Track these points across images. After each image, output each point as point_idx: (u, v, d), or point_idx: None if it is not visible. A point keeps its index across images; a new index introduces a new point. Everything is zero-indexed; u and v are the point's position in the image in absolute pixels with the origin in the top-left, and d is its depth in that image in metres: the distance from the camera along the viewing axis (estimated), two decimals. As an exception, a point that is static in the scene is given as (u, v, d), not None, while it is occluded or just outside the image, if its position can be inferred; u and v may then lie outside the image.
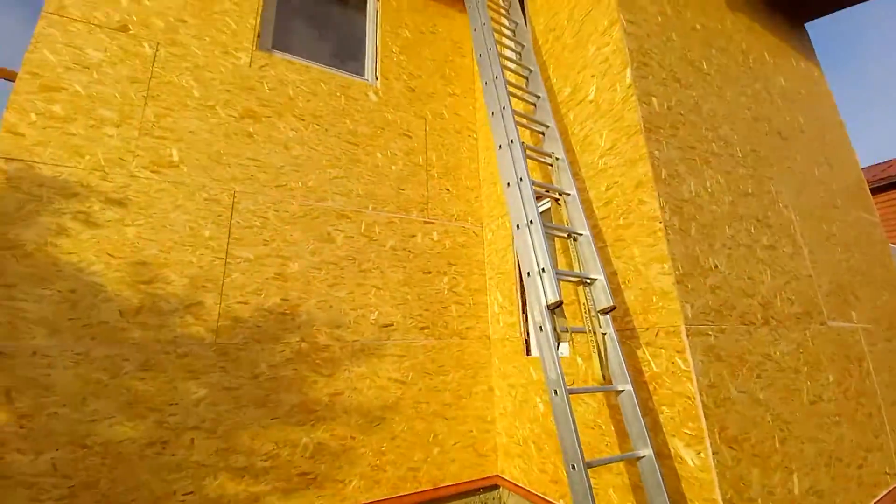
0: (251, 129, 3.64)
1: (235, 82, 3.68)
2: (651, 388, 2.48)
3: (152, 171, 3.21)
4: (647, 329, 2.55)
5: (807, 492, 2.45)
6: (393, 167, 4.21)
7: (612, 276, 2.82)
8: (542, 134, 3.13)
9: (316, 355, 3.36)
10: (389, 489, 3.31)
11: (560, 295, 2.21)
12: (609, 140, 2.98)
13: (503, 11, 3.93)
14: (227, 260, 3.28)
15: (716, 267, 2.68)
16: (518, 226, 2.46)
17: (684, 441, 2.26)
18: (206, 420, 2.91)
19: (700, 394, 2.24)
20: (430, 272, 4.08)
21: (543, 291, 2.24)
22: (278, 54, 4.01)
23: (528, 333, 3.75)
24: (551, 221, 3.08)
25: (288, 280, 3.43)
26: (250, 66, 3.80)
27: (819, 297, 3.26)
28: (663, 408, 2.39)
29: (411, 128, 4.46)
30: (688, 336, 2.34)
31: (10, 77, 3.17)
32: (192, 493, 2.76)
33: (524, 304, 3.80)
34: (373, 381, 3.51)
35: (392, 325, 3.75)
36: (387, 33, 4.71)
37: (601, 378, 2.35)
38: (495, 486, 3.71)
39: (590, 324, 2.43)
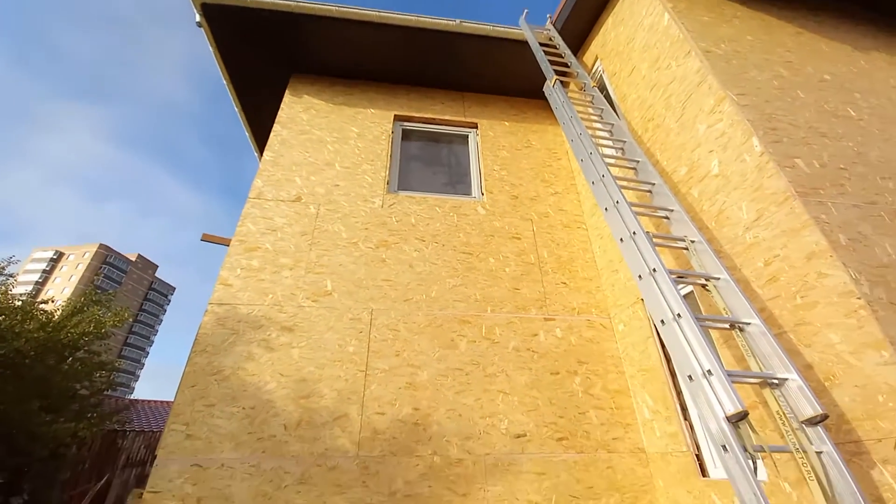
0: (384, 256, 4.06)
1: (371, 221, 4.27)
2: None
3: (313, 301, 3.71)
4: (880, 441, 1.69)
5: None
6: (506, 269, 4.15)
7: (806, 371, 2.05)
8: (667, 219, 2.75)
9: (449, 471, 3.05)
10: None
11: (742, 404, 1.63)
12: (752, 211, 2.46)
13: (595, 118, 3.95)
14: (367, 372, 3.41)
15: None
16: (663, 321, 2.02)
17: None
18: (350, 543, 2.73)
19: None
20: (558, 373, 3.61)
21: (717, 400, 1.68)
22: (403, 193, 4.62)
23: (697, 447, 2.87)
24: (699, 312, 2.50)
25: (418, 389, 3.37)
26: (382, 206, 4.42)
27: None
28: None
29: (519, 230, 4.46)
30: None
31: (226, 243, 4.22)
32: None
33: (684, 409, 2.99)
34: (511, 503, 2.98)
35: (525, 434, 3.28)
36: (487, 157, 5.12)
37: None
38: None
39: (794, 439, 1.70)
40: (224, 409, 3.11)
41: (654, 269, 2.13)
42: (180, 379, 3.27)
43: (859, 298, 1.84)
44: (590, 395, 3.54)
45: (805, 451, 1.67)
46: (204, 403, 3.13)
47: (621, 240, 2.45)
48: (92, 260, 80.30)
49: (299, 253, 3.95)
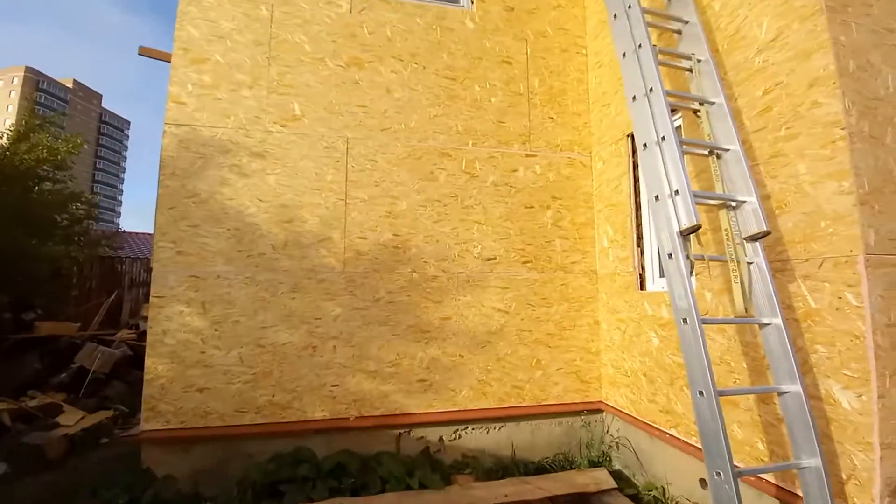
0: (357, 77, 3.59)
1: (339, 31, 3.61)
2: (804, 325, 1.97)
3: (282, 126, 3.43)
4: (808, 260, 1.97)
5: None
6: (492, 99, 3.83)
7: (763, 200, 2.20)
8: (679, 33, 2.42)
9: (426, 284, 3.48)
10: (495, 401, 3.44)
11: (697, 219, 1.79)
12: (772, 29, 2.17)
13: None
14: (347, 201, 3.47)
15: (922, 182, 1.88)
16: (645, 145, 2.01)
17: (842, 383, 1.80)
18: (343, 332, 3.29)
19: (873, 333, 1.71)
20: (532, 207, 3.79)
21: (676, 215, 1.83)
22: (375, -8, 3.78)
23: (642, 268, 3.31)
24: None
25: (397, 217, 3.52)
26: (351, 12, 3.67)
27: None
28: (817, 347, 1.90)
29: (511, 53, 3.94)
30: (866, 267, 1.75)
31: (167, 58, 3.58)
32: (337, 385, 3.23)
33: (639, 238, 3.31)
34: (478, 310, 3.54)
35: (495, 258, 3.65)
36: (481, -54, 4.06)
37: (743, 311, 1.93)
38: (599, 411, 3.60)
39: (732, 252, 1.96)
40: (209, 230, 3.22)
41: (651, 89, 1.99)
42: (156, 201, 3.25)
43: (843, 129, 1.83)
44: (558, 226, 3.82)
45: (738, 262, 1.95)
46: (188, 224, 3.20)
47: (624, 55, 2.20)
48: (23, 86, 68.84)
49: (257, 69, 3.43)
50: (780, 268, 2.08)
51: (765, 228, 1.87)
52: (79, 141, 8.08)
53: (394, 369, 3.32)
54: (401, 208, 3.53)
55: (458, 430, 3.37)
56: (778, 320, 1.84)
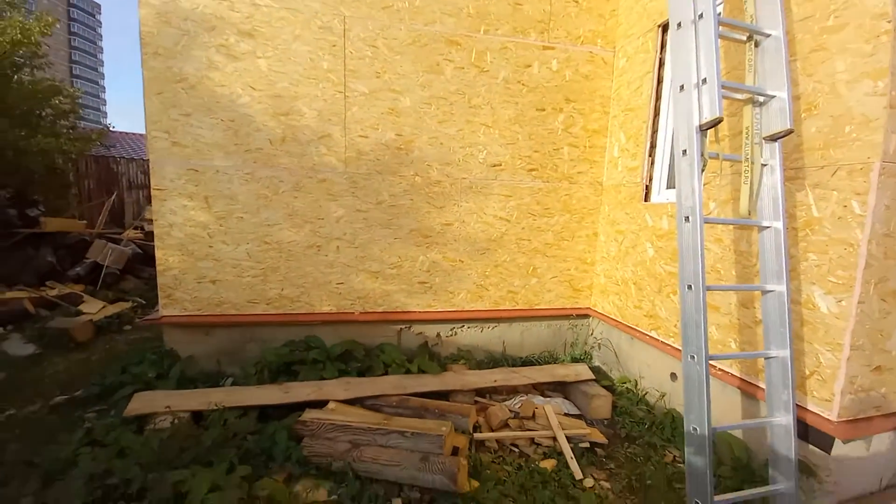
0: (353, -65, 3.04)
1: None
2: (801, 234, 1.98)
3: (270, -1, 3.01)
4: (822, 168, 1.89)
5: None
6: (510, -25, 3.30)
7: (793, 100, 2.03)
8: None
9: (429, 189, 3.40)
10: (491, 304, 3.64)
11: (721, 111, 1.66)
12: None
13: None
14: (346, 94, 3.21)
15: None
16: (680, 23, 1.76)
17: (825, 289, 1.87)
18: (346, 233, 3.32)
19: (869, 242, 1.72)
20: (544, 109, 3.53)
21: (699, 107, 1.70)
22: None
23: (650, 179, 3.20)
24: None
25: (400, 115, 3.29)
26: None
27: None
28: (810, 255, 1.93)
29: (536, -88, 3.28)
30: (880, 175, 1.68)
31: None
32: (342, 283, 3.37)
33: (652, 147, 3.14)
34: (479, 217, 3.52)
35: (500, 165, 3.51)
36: None
37: (746, 213, 1.91)
38: (586, 316, 3.83)
39: (749, 151, 1.86)
40: (203, 120, 3.03)
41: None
42: (143, 85, 3.00)
43: (889, 22, 1.59)
44: (568, 133, 3.60)
45: (752, 162, 1.86)
46: (179, 113, 3.00)
47: None
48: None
49: (236, -80, 2.88)
50: (793, 175, 2.00)
51: (788, 126, 1.75)
52: (49, 19, 7.21)
53: (395, 271, 3.43)
54: (404, 105, 3.29)
55: (454, 328, 3.61)
56: (779, 224, 1.83)
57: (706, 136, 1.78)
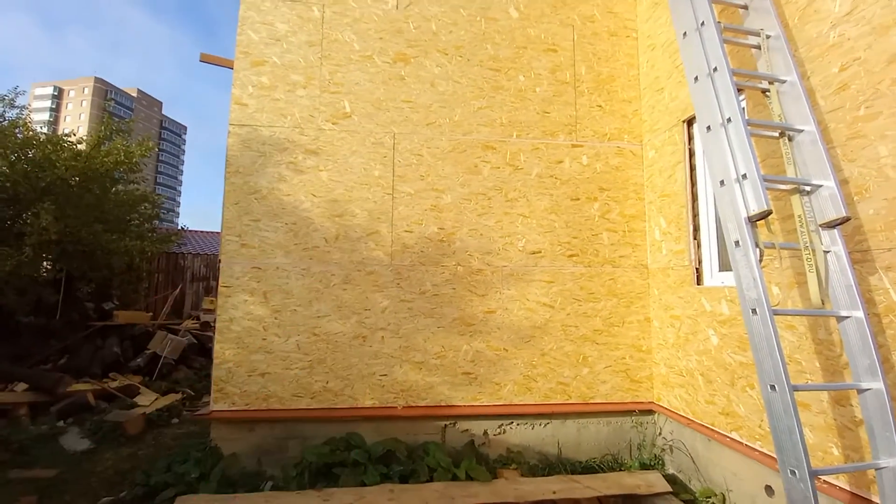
0: (402, 73, 3.69)
1: (386, 28, 3.71)
2: (885, 320, 1.81)
3: (333, 123, 3.60)
4: (890, 250, 1.81)
5: None
6: (537, 89, 3.79)
7: (841, 184, 2.04)
8: (745, 8, 2.27)
9: (470, 278, 3.52)
10: (540, 397, 3.43)
11: (768, 204, 1.69)
12: (847, 2, 2.00)
13: None
14: (394, 195, 3.58)
15: None
16: (709, 127, 1.92)
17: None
18: (391, 324, 3.41)
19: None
20: (578, 199, 3.71)
21: (744, 200, 1.75)
22: (420, -11, 3.85)
23: (699, 262, 3.15)
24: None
25: (442, 211, 3.58)
26: (397, 8, 3.76)
27: None
28: (909, 348, 1.74)
29: (556, 40, 3.87)
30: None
31: (226, 63, 3.86)
32: (385, 375, 3.35)
33: (695, 230, 3.15)
34: (522, 304, 3.53)
35: (540, 252, 3.62)
36: (526, -65, 4.01)
37: (819, 303, 1.80)
38: (651, 412, 3.47)
39: (807, 239, 1.83)
40: (269, 224, 3.45)
41: (716, 69, 1.89)
42: (223, 197, 3.53)
43: None
44: (606, 219, 3.72)
45: (813, 250, 1.82)
46: (250, 219, 3.45)
47: (685, 34, 2.10)
48: (93, 96, 77.02)
49: (310, 69, 3.62)
50: (860, 259, 1.92)
51: (844, 214, 1.73)
52: (150, 144, 8.89)
53: (439, 361, 3.40)
54: (445, 202, 3.60)
55: (502, 424, 3.39)
56: (859, 313, 1.70)
57: (756, 227, 1.80)
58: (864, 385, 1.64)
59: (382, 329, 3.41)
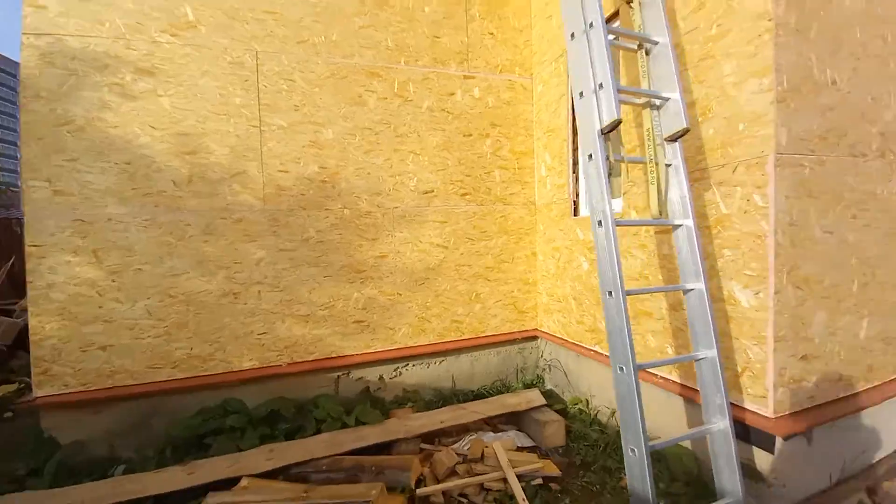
0: (260, -27, 3.01)
1: None
2: (715, 231, 2.03)
3: (172, 35, 2.86)
4: (724, 166, 1.98)
5: (874, 337, 2.07)
6: (426, 9, 3.41)
7: (689, 106, 2.15)
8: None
9: (359, 221, 3.25)
10: (435, 336, 3.44)
11: (619, 113, 1.69)
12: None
13: None
14: (262, 128, 3.05)
15: (834, 82, 1.89)
16: (573, 34, 1.83)
17: (742, 282, 1.89)
18: (268, 276, 3.04)
19: (775, 232, 1.78)
20: (471, 135, 3.57)
21: (598, 112, 1.73)
22: None
23: (577, 194, 3.28)
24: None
25: (324, 147, 3.17)
26: None
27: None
28: (724, 251, 1.97)
29: (443, -47, 3.47)
30: (775, 167, 1.77)
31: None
32: (265, 333, 3.04)
33: (575, 164, 3.24)
34: (415, 246, 3.40)
35: (432, 191, 3.46)
36: None
37: (657, 214, 1.93)
38: (534, 338, 3.72)
39: (653, 153, 1.91)
40: (93, 164, 2.71)
41: (579, -30, 1.78)
42: (20, 130, 2.67)
43: (770, 20, 1.74)
44: (498, 156, 3.66)
45: (657, 164, 1.91)
46: (64, 158, 2.68)
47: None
48: None
49: (129, -42, 2.76)
50: (699, 176, 2.09)
51: (684, 125, 1.82)
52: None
53: (327, 312, 3.17)
54: (327, 137, 3.18)
55: (398, 367, 3.35)
56: (689, 221, 1.86)
57: (609, 140, 1.81)
58: (689, 286, 1.82)
59: (259, 283, 3.02)
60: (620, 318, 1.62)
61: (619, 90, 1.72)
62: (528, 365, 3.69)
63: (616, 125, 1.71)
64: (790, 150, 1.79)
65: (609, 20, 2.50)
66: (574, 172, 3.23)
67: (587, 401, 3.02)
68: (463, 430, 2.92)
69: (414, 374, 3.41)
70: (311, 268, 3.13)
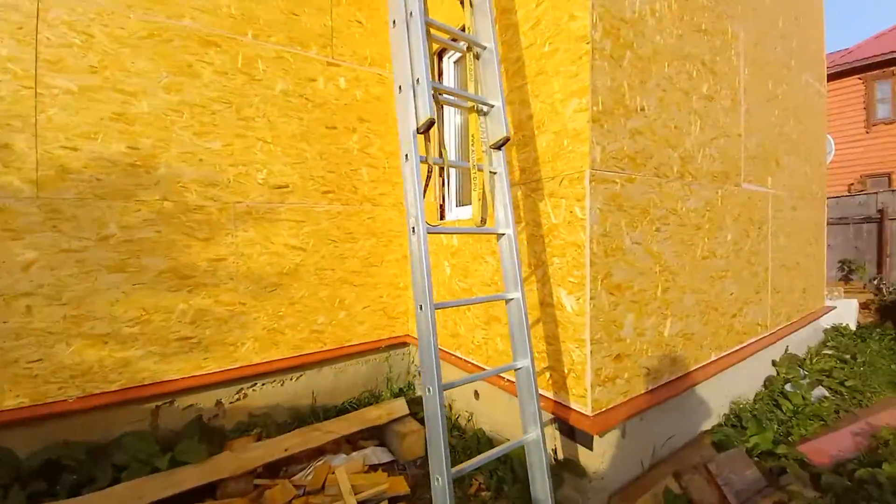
0: None
1: None
2: (547, 240, 2.13)
3: None
4: (553, 178, 2.09)
5: (676, 334, 2.42)
6: (278, -21, 3.01)
7: (527, 120, 2.23)
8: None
9: (186, 217, 2.69)
10: (291, 349, 3.05)
11: (433, 112, 1.61)
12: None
13: None
14: (39, 90, 2.31)
15: (642, 109, 2.14)
16: (394, 21, 1.70)
17: (567, 289, 2.01)
18: (44, 286, 2.30)
19: (591, 242, 1.92)
20: (335, 128, 3.27)
21: (415, 109, 1.63)
22: None
23: (443, 198, 3.25)
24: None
25: (135, 123, 2.54)
26: None
27: (742, 158, 2.92)
28: (554, 259, 2.09)
29: (301, -79, 3.11)
30: (591, 182, 1.91)
31: None
32: (40, 360, 2.29)
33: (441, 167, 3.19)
34: (264, 248, 2.97)
35: (287, 186, 3.07)
36: None
37: (479, 221, 1.94)
38: (405, 344, 3.60)
39: (476, 159, 1.91)
40: None
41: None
42: None
43: (588, 44, 1.88)
44: (366, 153, 3.44)
45: (481, 171, 1.91)
46: None
47: None
48: None
49: None
50: (536, 187, 2.18)
51: (505, 133, 1.86)
52: None
53: (139, 329, 2.54)
54: (140, 110, 2.56)
55: (242, 389, 2.88)
56: (510, 230, 1.90)
57: (429, 141, 1.75)
58: (510, 295, 1.86)
59: (28, 295, 2.27)
60: (429, 333, 1.54)
61: (439, 89, 1.66)
62: (399, 372, 3.55)
63: (430, 124, 1.64)
64: (603, 168, 1.95)
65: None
66: (441, 175, 3.19)
67: (450, 405, 2.99)
68: (317, 453, 2.61)
69: (264, 395, 2.97)
70: (114, 274, 2.47)
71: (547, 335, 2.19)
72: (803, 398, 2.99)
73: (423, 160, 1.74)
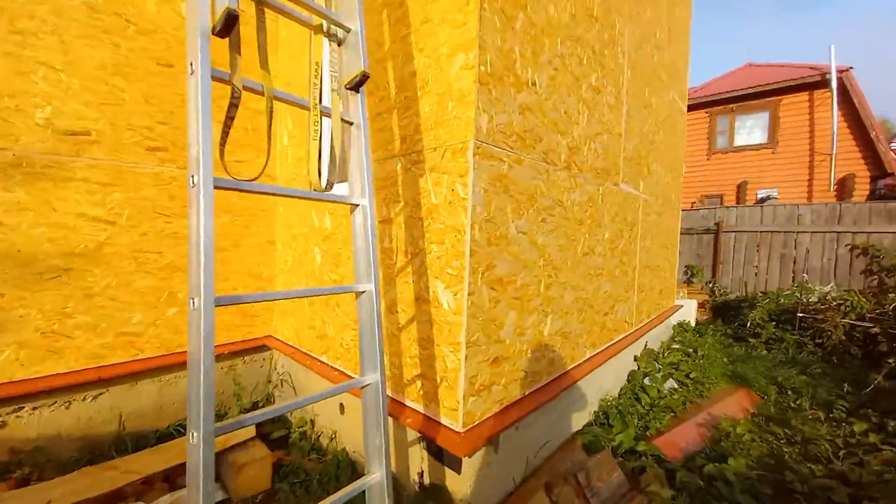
0: None
1: None
2: (426, 223, 1.81)
3: None
4: (435, 149, 1.78)
5: (556, 333, 2.33)
6: None
7: (410, 77, 1.87)
8: None
9: None
10: (84, 360, 2.23)
11: (236, 2, 1.16)
12: None
13: None
14: None
15: (533, 84, 1.95)
16: None
17: (445, 282, 1.73)
18: None
19: (472, 227, 1.65)
20: (172, 66, 2.50)
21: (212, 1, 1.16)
22: None
23: (319, 172, 2.72)
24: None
25: None
26: None
27: (621, 158, 3.01)
28: (433, 246, 1.78)
29: None
30: (475, 156, 1.64)
31: None
32: None
33: (317, 133, 2.66)
34: (43, 217, 2.10)
35: (88, 134, 2.23)
36: None
37: (318, 183, 1.53)
38: (266, 347, 2.98)
39: (318, 96, 1.50)
40: None
41: None
42: None
43: None
44: (219, 105, 2.71)
45: (325, 114, 1.52)
46: None
47: None
48: None
49: None
50: (416, 159, 1.85)
51: (362, 68, 1.48)
52: None
53: None
54: None
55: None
56: (365, 201, 1.54)
57: (237, 54, 1.29)
58: (361, 287, 1.49)
59: None
60: (200, 346, 1.06)
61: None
62: (256, 382, 2.91)
63: (232, 21, 1.19)
64: (490, 141, 1.70)
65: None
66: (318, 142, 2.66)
67: (312, 421, 2.51)
68: (115, 499, 1.90)
69: (40, 422, 2.11)
70: None
71: (421, 337, 1.87)
72: (658, 391, 3.23)
73: (224, 79, 1.26)
